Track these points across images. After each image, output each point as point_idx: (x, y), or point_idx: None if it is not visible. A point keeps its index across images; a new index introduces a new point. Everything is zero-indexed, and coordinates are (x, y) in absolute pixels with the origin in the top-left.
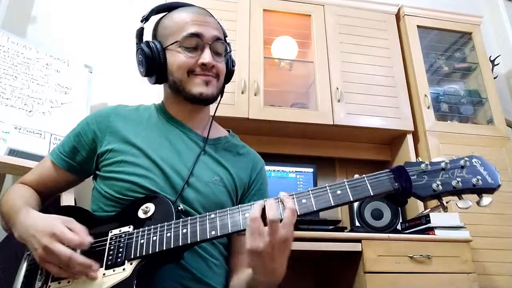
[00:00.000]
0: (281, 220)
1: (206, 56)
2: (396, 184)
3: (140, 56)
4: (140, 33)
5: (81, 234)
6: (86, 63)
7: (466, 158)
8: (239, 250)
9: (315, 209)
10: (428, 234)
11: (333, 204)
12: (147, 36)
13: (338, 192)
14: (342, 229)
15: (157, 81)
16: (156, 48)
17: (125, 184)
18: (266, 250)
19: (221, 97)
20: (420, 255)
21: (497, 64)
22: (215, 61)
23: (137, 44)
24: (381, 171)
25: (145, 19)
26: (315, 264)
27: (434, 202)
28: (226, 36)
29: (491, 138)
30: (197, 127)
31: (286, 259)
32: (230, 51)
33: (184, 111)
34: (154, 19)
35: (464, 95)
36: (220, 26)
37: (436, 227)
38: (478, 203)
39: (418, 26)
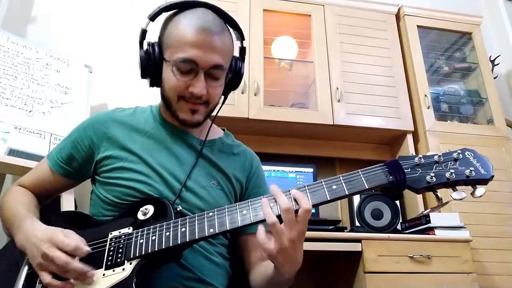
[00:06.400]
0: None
1: (197, 85)
2: (390, 177)
3: (139, 58)
4: (142, 33)
5: (78, 242)
6: (86, 63)
7: (459, 151)
8: (250, 247)
9: (311, 204)
10: (428, 234)
11: (329, 199)
12: (152, 34)
13: (334, 186)
14: (342, 229)
15: (152, 85)
16: (154, 55)
17: (125, 190)
18: (290, 245)
19: (223, 103)
20: (420, 255)
21: (497, 64)
22: (207, 89)
23: (139, 43)
24: (375, 165)
25: (151, 18)
26: (315, 264)
27: (434, 202)
28: (244, 40)
29: (491, 138)
30: (194, 130)
31: (302, 246)
32: (238, 63)
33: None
34: (161, 16)
35: (464, 95)
36: (231, 41)
37: (436, 227)
38: (472, 194)
39: (418, 26)
